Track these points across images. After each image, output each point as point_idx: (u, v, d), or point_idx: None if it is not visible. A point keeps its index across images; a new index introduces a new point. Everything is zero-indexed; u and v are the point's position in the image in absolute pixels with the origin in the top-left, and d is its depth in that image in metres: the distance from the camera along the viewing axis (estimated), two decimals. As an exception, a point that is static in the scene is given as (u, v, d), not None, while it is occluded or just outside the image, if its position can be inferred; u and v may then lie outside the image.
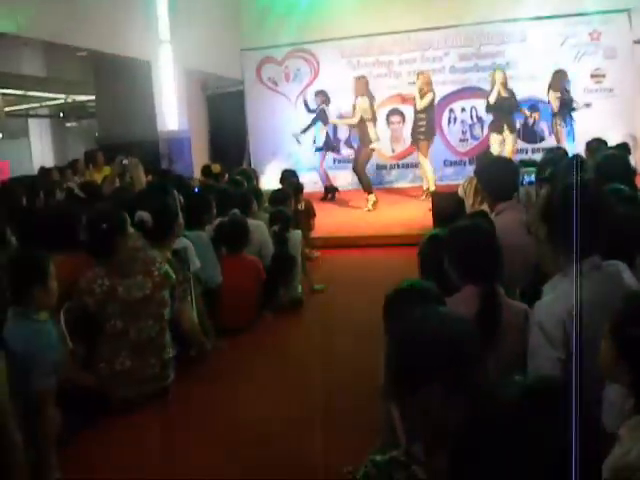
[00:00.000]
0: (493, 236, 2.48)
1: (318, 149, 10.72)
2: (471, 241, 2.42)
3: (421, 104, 9.51)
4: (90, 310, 3.45)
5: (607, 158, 3.90)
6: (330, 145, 10.79)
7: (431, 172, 9.59)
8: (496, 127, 9.56)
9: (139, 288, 3.50)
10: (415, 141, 9.74)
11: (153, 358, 3.53)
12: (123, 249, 3.55)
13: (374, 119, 9.49)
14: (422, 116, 9.56)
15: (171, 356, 3.64)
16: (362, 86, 9.44)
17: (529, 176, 2.83)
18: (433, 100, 9.65)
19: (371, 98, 9.56)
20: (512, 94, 9.54)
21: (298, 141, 10.98)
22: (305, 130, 10.84)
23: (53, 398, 2.70)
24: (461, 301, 2.28)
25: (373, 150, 9.49)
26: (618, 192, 2.97)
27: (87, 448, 3.10)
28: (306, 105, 10.97)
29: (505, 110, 9.45)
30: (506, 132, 9.42)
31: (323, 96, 10.58)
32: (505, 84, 9.46)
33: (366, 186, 9.35)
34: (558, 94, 9.65)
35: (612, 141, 6.58)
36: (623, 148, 6.00)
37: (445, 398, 1.29)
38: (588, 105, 9.80)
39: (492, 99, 9.51)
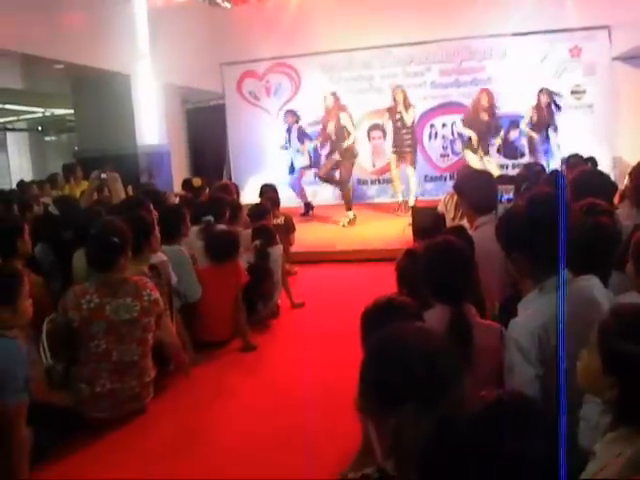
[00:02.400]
0: (466, 257, 2.45)
1: (301, 168, 10.60)
2: (441, 261, 2.40)
3: (408, 117, 9.61)
4: (74, 326, 3.38)
5: (583, 173, 3.93)
6: (312, 163, 10.73)
7: (416, 185, 9.73)
8: (469, 145, 9.63)
9: (127, 310, 3.44)
10: (401, 154, 9.75)
11: (134, 381, 3.48)
12: (121, 269, 3.51)
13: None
14: (408, 130, 9.68)
15: (152, 378, 3.59)
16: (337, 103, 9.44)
17: (508, 194, 2.82)
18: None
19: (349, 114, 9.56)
20: (495, 115, 9.59)
21: (286, 147, 10.79)
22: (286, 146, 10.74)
23: (24, 415, 2.63)
24: (433, 319, 2.26)
25: (353, 165, 9.49)
26: (594, 207, 2.99)
27: (61, 463, 3.03)
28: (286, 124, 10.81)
29: (484, 132, 9.51)
30: (480, 152, 9.50)
31: (293, 115, 10.49)
32: (487, 108, 9.50)
33: (348, 202, 9.36)
34: (536, 112, 9.72)
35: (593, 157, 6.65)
36: (591, 162, 6.07)
37: (419, 415, 1.26)
38: (555, 128, 9.86)
39: (470, 121, 9.61)
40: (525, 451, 0.86)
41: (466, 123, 9.85)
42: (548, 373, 2.02)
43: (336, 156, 9.31)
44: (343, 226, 9.12)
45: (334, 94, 9.41)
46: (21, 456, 2.65)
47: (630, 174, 3.54)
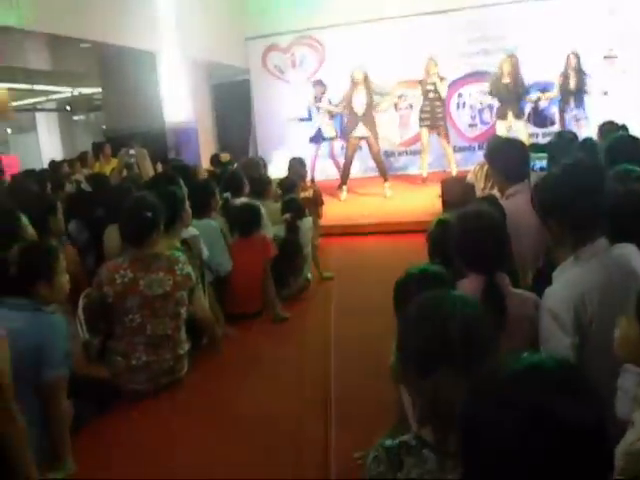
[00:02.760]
0: (499, 225, 2.40)
1: (330, 138, 10.52)
2: (474, 231, 2.34)
3: (442, 89, 9.52)
4: (109, 301, 3.45)
5: (617, 140, 3.84)
6: (338, 134, 10.67)
7: (452, 155, 9.78)
8: (501, 114, 9.45)
9: (160, 285, 3.48)
10: (433, 126, 9.63)
11: (168, 354, 3.53)
12: (153, 243, 3.55)
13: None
14: (441, 102, 9.60)
15: (186, 350, 3.64)
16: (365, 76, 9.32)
17: (540, 162, 2.76)
18: None
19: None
20: (519, 81, 9.35)
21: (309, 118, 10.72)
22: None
23: (65, 387, 2.70)
24: (466, 289, 2.25)
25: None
26: (628, 173, 2.93)
27: (101, 434, 3.12)
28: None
29: (506, 97, 9.32)
30: (511, 118, 9.31)
31: (322, 85, 10.39)
32: (511, 71, 9.27)
33: (385, 173, 9.35)
34: (566, 78, 9.45)
35: (627, 124, 6.48)
36: (623, 130, 5.91)
37: (456, 382, 1.27)
38: (605, 93, 9.60)
39: (493, 86, 9.45)
40: (569, 413, 0.85)
41: (490, 90, 9.69)
42: (585, 342, 2.00)
43: (361, 132, 9.20)
44: (388, 197, 9.14)
45: (362, 67, 9.28)
46: (63, 426, 2.72)
47: None
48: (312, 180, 9.83)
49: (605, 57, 9.98)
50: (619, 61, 9.97)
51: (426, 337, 1.36)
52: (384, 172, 9.41)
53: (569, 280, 2.11)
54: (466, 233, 2.38)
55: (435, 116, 9.59)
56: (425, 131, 9.72)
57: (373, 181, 9.82)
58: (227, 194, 5.11)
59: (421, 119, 9.77)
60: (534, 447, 0.85)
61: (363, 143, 9.40)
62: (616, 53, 9.97)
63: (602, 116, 6.84)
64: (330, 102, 10.13)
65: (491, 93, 9.67)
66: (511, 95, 9.32)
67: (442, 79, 9.55)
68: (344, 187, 9.44)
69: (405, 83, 10.72)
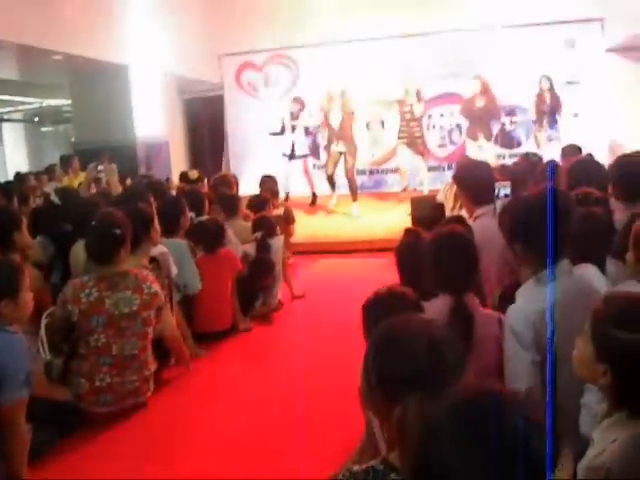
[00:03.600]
0: (470, 246, 2.45)
1: (303, 156, 10.53)
2: (448, 252, 2.39)
3: (419, 109, 9.74)
4: (73, 320, 3.37)
5: (578, 163, 3.94)
6: (310, 152, 10.71)
7: (427, 175, 9.93)
8: (471, 133, 9.68)
9: (127, 304, 3.42)
10: (411, 145, 9.80)
11: (134, 375, 3.46)
12: (121, 261, 3.50)
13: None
14: (417, 121, 9.81)
15: (152, 372, 3.58)
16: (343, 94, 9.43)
17: (505, 189, 2.82)
18: None
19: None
20: (492, 102, 9.60)
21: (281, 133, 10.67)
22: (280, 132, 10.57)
23: (24, 411, 2.60)
24: (435, 309, 2.27)
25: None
26: (587, 196, 3.00)
27: (62, 460, 3.03)
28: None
29: (477, 119, 9.56)
30: (482, 140, 9.50)
31: (300, 103, 10.43)
32: (483, 92, 9.54)
33: (354, 192, 9.47)
34: (541, 99, 9.70)
35: (589, 147, 6.64)
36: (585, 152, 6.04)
37: (422, 405, 1.27)
38: (576, 115, 9.84)
39: (466, 107, 9.66)
40: (502, 442, 0.88)
41: (462, 112, 9.98)
42: (545, 361, 2.04)
43: (339, 147, 9.30)
44: (355, 217, 9.19)
45: (338, 84, 9.38)
46: (21, 452, 2.61)
47: (611, 167, 3.57)
48: (286, 197, 9.89)
49: (567, 82, 10.25)
50: (581, 87, 10.25)
51: (392, 362, 1.37)
52: (354, 191, 9.47)
53: (530, 298, 2.15)
54: (440, 254, 2.41)
55: (412, 135, 9.79)
56: (403, 149, 9.86)
57: (345, 198, 9.86)
58: (191, 213, 5.06)
59: (399, 137, 9.94)
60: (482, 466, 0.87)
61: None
62: (578, 79, 10.25)
63: (571, 138, 7.00)
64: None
65: (463, 113, 9.86)
66: (483, 117, 9.50)
67: (421, 99, 9.76)
68: (334, 195, 9.56)
69: (377, 102, 10.83)
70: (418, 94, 9.68)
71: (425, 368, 1.33)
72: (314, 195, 10.28)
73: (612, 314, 1.54)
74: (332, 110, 9.28)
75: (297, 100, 10.45)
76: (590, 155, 5.24)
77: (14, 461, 2.58)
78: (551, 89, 9.61)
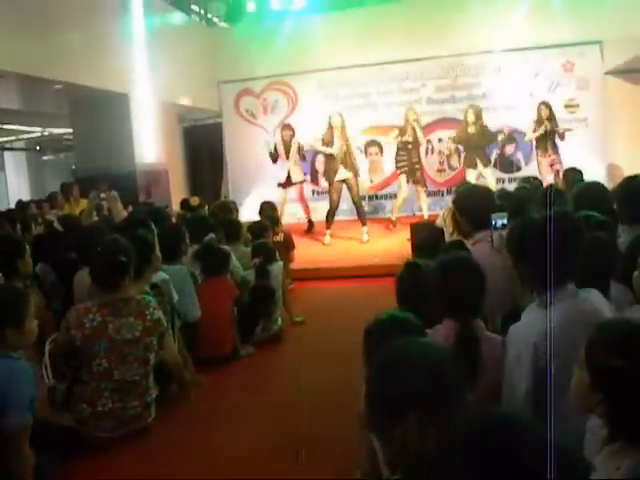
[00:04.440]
0: (479, 271, 2.46)
1: (298, 182, 10.50)
2: (457, 277, 2.41)
3: (421, 136, 9.69)
4: (76, 345, 3.39)
5: (585, 187, 3.95)
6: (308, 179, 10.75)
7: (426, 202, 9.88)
8: (469, 162, 9.65)
9: (129, 330, 3.44)
10: (411, 172, 9.73)
11: (136, 400, 3.46)
12: (125, 288, 3.52)
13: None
14: (416, 149, 9.74)
15: (153, 397, 3.58)
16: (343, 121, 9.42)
17: (501, 219, 2.83)
18: None
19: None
20: (483, 129, 9.59)
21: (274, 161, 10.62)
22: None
23: (28, 435, 2.62)
24: (440, 335, 2.29)
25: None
26: (588, 219, 3.02)
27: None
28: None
29: (472, 146, 9.57)
30: (480, 167, 9.51)
31: (290, 129, 10.34)
32: (475, 121, 9.51)
33: (363, 216, 9.42)
34: (541, 125, 9.63)
35: (588, 170, 6.68)
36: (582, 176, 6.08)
37: (424, 427, 1.28)
38: (569, 130, 9.83)
39: (460, 135, 9.70)
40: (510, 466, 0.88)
41: (456, 139, 9.97)
42: (544, 386, 2.05)
43: (344, 174, 9.24)
44: (365, 242, 9.19)
45: (340, 114, 9.37)
46: (25, 475, 2.63)
47: (615, 189, 3.59)
48: (310, 222, 9.93)
49: (566, 106, 10.33)
50: (580, 110, 10.32)
51: (394, 384, 1.37)
52: (363, 215, 9.42)
53: (533, 319, 2.17)
54: (448, 279, 2.42)
55: (412, 162, 9.71)
56: (403, 177, 9.80)
57: (344, 224, 9.89)
58: (212, 235, 5.12)
59: (398, 166, 9.86)
60: None
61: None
62: (577, 102, 10.34)
63: (569, 161, 7.04)
64: (300, 148, 10.11)
65: (456, 141, 9.94)
66: (477, 144, 9.56)
67: (420, 127, 9.72)
68: (328, 231, 9.40)
69: (375, 129, 10.93)
70: (417, 121, 9.66)
71: (426, 390, 1.34)
72: (310, 222, 10.28)
73: (607, 342, 1.53)
74: (335, 138, 9.22)
75: (287, 126, 10.44)
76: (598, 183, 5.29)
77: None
78: (551, 115, 9.54)
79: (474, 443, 0.92)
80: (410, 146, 9.71)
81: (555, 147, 9.44)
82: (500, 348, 2.32)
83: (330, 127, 9.18)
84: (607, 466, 1.50)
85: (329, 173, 9.42)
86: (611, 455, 1.51)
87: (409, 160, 9.75)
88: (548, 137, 9.44)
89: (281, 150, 10.03)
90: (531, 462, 0.87)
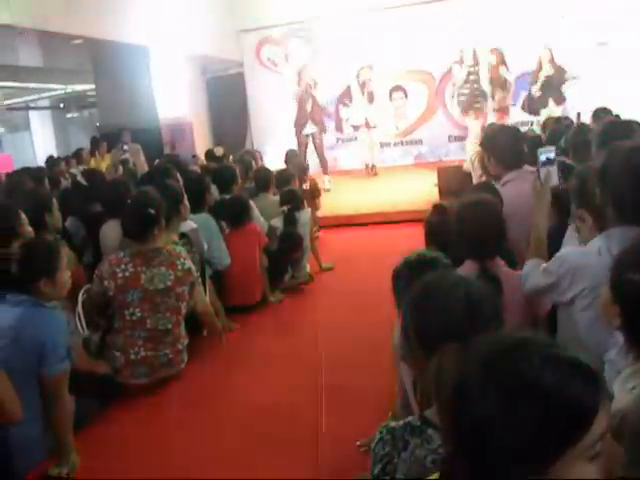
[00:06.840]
0: (497, 213, 2.46)
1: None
2: (473, 218, 2.41)
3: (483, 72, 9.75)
4: (109, 295, 3.45)
5: (610, 123, 3.84)
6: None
7: None
8: (543, 102, 9.78)
9: (161, 279, 3.48)
10: (476, 108, 9.66)
11: (167, 348, 3.52)
12: (155, 238, 3.56)
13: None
14: (478, 85, 9.72)
15: (185, 345, 3.64)
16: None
17: (548, 153, 2.67)
18: None
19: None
20: (557, 67, 9.70)
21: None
22: None
23: (67, 383, 2.69)
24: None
25: None
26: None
27: (103, 430, 3.12)
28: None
29: (547, 87, 9.68)
30: (552, 105, 9.66)
31: (311, 79, 10.26)
32: (550, 61, 9.65)
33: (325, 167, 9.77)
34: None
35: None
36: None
37: (460, 357, 1.28)
38: (575, 77, 9.74)
39: (534, 78, 9.80)
40: (555, 385, 0.86)
41: (532, 82, 10.01)
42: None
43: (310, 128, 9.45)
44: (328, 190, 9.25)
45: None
46: (66, 422, 2.72)
47: None
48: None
49: (598, 44, 9.99)
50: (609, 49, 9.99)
51: (430, 313, 1.39)
52: (325, 166, 9.81)
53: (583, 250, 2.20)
54: (465, 221, 2.42)
55: (474, 99, 9.63)
56: (472, 114, 9.67)
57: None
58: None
59: (469, 102, 9.67)
60: (520, 418, 0.86)
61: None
62: (606, 40, 9.99)
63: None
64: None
65: (532, 84, 9.94)
66: (553, 84, 9.65)
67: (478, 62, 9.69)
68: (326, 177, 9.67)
69: (410, 73, 10.71)
70: (474, 54, 9.60)
71: (462, 320, 1.36)
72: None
73: (627, 258, 1.58)
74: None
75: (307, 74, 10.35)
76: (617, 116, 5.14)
77: (60, 430, 2.68)
78: (552, 60, 9.66)
79: (491, 367, 0.91)
80: (473, 77, 9.64)
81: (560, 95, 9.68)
82: (520, 284, 2.36)
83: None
84: (623, 387, 1.53)
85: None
86: (629, 376, 1.55)
87: (471, 95, 9.63)
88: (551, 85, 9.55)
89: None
90: (550, 381, 0.86)
